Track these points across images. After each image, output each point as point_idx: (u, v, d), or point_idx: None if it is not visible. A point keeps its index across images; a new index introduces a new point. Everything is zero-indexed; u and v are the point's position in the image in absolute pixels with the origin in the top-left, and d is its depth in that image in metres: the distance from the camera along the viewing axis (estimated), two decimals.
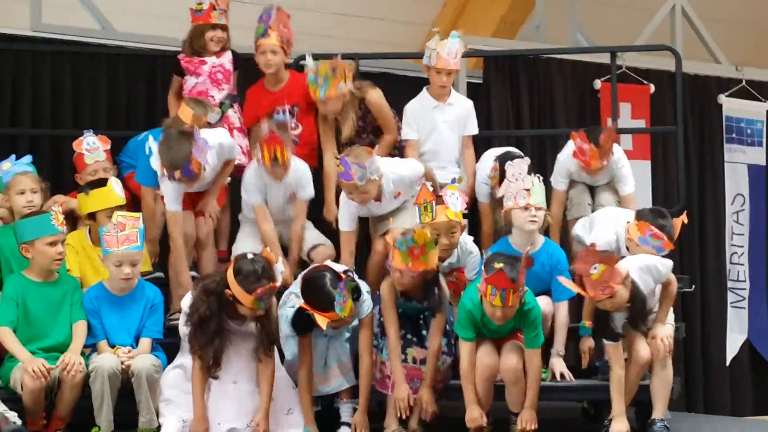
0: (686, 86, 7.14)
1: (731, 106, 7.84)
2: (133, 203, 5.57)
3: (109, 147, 5.77)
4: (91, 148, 5.70)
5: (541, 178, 5.25)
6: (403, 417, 4.90)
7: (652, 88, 7.48)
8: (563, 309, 5.13)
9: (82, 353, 4.88)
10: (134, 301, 5.00)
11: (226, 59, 5.83)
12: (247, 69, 5.96)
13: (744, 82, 7.88)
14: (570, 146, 5.64)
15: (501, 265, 4.64)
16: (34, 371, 4.66)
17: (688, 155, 7.40)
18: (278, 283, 4.74)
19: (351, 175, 5.21)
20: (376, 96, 5.72)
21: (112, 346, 4.92)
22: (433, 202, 5.05)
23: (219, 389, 4.80)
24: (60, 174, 6.08)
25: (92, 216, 5.33)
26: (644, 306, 4.83)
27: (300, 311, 4.85)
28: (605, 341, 4.92)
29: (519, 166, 5.17)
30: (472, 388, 4.83)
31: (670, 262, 5.00)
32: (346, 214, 5.40)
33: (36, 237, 4.91)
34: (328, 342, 5.00)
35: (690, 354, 7.60)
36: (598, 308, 4.84)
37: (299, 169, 5.49)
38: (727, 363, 7.74)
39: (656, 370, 4.91)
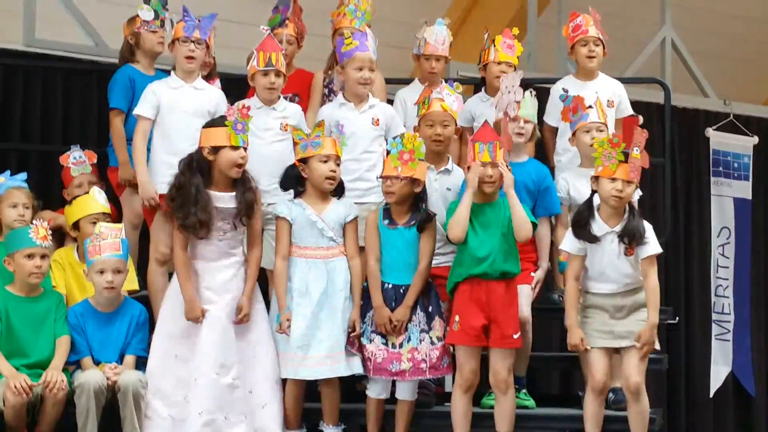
0: (674, 119, 7.19)
1: (719, 139, 7.91)
2: (119, 217, 5.58)
3: (95, 161, 5.79)
4: (78, 161, 5.74)
5: (534, 93, 5.35)
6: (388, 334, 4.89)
7: (641, 119, 7.53)
8: (545, 226, 5.23)
9: (66, 370, 4.85)
10: (119, 317, 4.98)
11: (215, 87, 5.82)
12: (239, 88, 5.98)
13: (732, 116, 7.96)
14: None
15: (485, 121, 4.89)
16: (16, 387, 4.63)
17: (675, 187, 7.46)
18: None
19: (367, 46, 5.25)
20: (380, 79, 5.69)
21: (97, 363, 4.89)
22: (431, 96, 5.17)
23: (203, 380, 4.76)
24: (49, 190, 6.07)
25: (77, 227, 5.31)
26: (639, 225, 4.80)
27: (291, 169, 5.00)
28: (565, 249, 4.90)
29: (512, 79, 5.27)
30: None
31: (658, 248, 4.88)
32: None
33: (16, 249, 4.90)
34: (319, 323, 4.91)
35: (674, 385, 7.62)
36: (585, 207, 4.88)
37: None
38: (711, 395, 7.76)
39: (630, 402, 4.87)
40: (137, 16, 5.60)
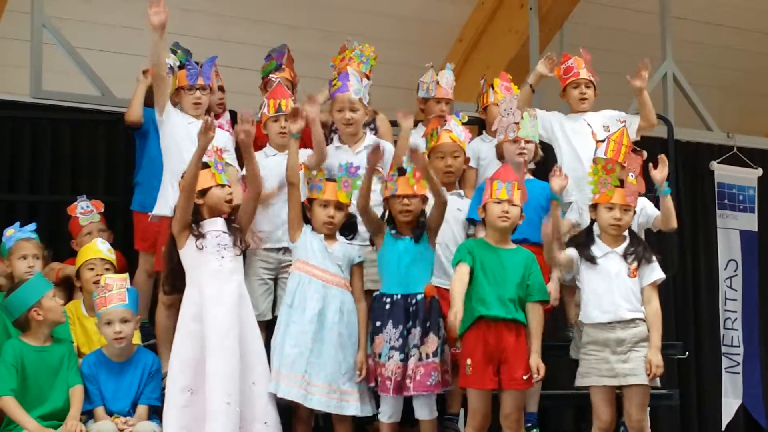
0: (678, 153, 7.22)
1: (723, 172, 7.93)
2: (129, 263, 5.59)
3: (102, 210, 5.83)
4: (86, 210, 5.78)
5: (533, 112, 5.39)
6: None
7: (645, 154, 7.55)
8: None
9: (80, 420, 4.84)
10: (132, 367, 5.00)
11: (224, 120, 5.89)
12: None
13: (735, 148, 7.98)
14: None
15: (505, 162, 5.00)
16: None
17: (681, 221, 7.44)
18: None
19: (348, 86, 5.30)
20: (386, 120, 5.76)
21: (110, 413, 4.91)
22: (439, 128, 5.27)
23: (216, 414, 4.72)
24: (58, 241, 6.06)
25: (79, 276, 5.36)
26: (644, 247, 4.87)
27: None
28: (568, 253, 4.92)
29: (509, 102, 5.37)
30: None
31: (662, 274, 4.92)
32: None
33: (42, 295, 4.93)
34: (313, 348, 4.92)
35: (685, 419, 7.59)
36: (584, 233, 4.96)
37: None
38: (723, 428, 7.73)
39: None
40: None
